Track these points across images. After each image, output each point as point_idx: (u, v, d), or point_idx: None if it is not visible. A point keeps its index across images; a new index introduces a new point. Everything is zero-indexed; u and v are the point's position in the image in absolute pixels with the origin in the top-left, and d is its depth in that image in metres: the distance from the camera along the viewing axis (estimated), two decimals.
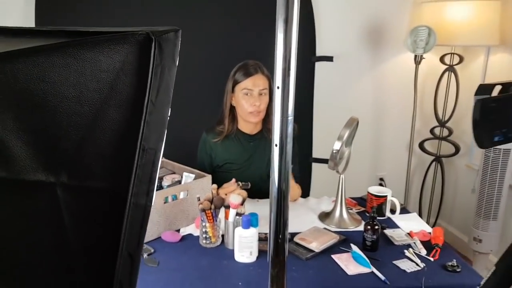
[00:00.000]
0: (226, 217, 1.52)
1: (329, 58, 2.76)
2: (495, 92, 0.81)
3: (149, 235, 1.57)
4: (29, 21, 2.41)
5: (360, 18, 2.83)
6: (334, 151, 1.59)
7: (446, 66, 2.81)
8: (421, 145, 3.05)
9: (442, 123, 2.93)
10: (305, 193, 2.58)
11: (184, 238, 1.61)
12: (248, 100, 1.83)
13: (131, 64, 0.57)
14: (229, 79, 1.89)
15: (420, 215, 3.16)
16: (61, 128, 0.57)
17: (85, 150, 0.58)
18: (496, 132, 0.64)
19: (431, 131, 2.99)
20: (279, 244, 0.94)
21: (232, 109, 1.92)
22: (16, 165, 0.57)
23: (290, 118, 0.85)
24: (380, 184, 3.21)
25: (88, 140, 0.58)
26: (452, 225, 3.18)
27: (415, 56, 2.62)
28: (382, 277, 1.36)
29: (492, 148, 2.54)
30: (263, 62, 1.92)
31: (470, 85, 2.99)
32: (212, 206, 1.49)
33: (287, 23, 0.83)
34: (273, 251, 0.94)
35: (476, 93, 0.78)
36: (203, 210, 1.48)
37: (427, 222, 3.14)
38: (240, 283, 1.33)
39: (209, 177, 1.73)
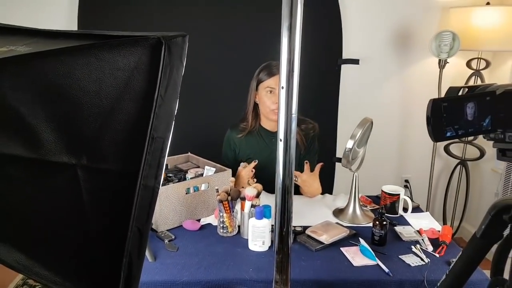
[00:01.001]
0: (242, 208, 1.60)
1: (355, 61, 2.79)
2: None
3: (171, 223, 1.68)
4: (72, 24, 2.58)
5: (387, 22, 2.84)
6: (346, 149, 1.63)
7: (473, 71, 2.78)
8: (446, 149, 3.01)
9: None
10: (328, 191, 2.63)
11: (203, 227, 1.71)
12: (270, 98, 1.91)
13: (144, 64, 0.66)
14: (253, 78, 1.98)
15: (444, 217, 3.13)
16: (82, 117, 0.66)
17: (102, 137, 0.67)
18: (448, 128, 0.69)
19: None
20: (283, 235, 1.00)
21: (256, 106, 2.01)
22: (44, 148, 0.67)
23: (294, 115, 0.91)
24: (405, 186, 3.20)
25: (105, 128, 0.67)
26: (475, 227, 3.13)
27: (439, 60, 2.61)
28: (386, 270, 1.40)
29: None
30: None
31: None
32: (229, 198, 1.58)
33: (290, 29, 0.89)
34: (278, 240, 1.00)
35: (446, 94, 0.83)
36: (221, 201, 1.57)
37: (451, 225, 3.11)
38: (251, 269, 1.41)
39: (229, 171, 1.81)
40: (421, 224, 1.73)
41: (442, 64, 2.61)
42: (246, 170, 1.90)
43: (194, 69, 2.66)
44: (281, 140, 0.93)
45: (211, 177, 1.77)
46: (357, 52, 2.83)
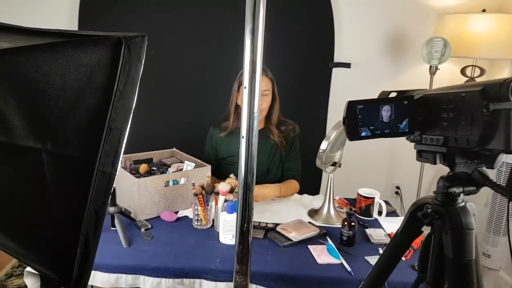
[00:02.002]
0: (216, 203, 1.72)
1: (347, 65, 2.89)
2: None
3: (150, 213, 1.80)
4: (73, 24, 2.73)
5: (382, 27, 2.92)
6: (320, 151, 1.74)
7: (467, 78, 2.85)
8: None
9: None
10: (315, 192, 2.74)
11: (180, 219, 1.83)
12: None
13: (105, 61, 0.77)
14: (235, 80, 2.09)
15: None
16: (48, 107, 0.78)
17: (66, 125, 0.79)
18: (363, 128, 0.80)
19: None
20: (244, 228, 1.10)
21: (237, 107, 2.12)
22: (13, 133, 0.78)
23: (256, 114, 1.01)
24: (396, 193, 3.29)
25: (69, 118, 0.78)
26: None
27: (430, 66, 2.69)
28: (349, 268, 1.50)
29: (504, 163, 2.57)
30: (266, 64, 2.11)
31: None
32: (203, 192, 1.69)
33: (253, 33, 0.99)
34: (239, 233, 1.11)
35: (378, 97, 0.93)
36: (196, 195, 1.69)
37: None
38: (218, 260, 1.52)
39: (208, 167, 1.93)
40: (393, 227, 1.82)
41: (433, 70, 2.69)
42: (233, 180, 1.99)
43: (183, 67, 2.81)
44: (243, 137, 1.02)
45: (190, 171, 1.88)
46: (349, 56, 2.92)
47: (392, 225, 1.86)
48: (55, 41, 0.79)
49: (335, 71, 2.93)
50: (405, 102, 0.80)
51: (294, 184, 2.18)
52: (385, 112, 0.80)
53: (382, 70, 2.99)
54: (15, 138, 0.78)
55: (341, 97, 2.97)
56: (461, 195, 0.90)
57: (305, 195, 2.18)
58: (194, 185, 1.73)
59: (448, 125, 0.81)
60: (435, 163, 0.87)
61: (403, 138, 2.90)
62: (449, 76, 2.99)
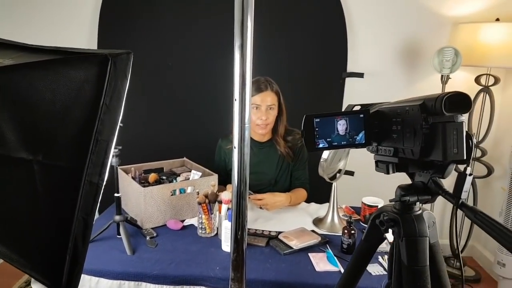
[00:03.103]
0: (219, 211, 1.73)
1: (360, 75, 2.87)
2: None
3: (156, 222, 1.83)
4: (92, 43, 2.83)
5: (395, 37, 2.89)
6: (322, 160, 1.73)
7: (481, 87, 2.79)
8: None
9: (475, 144, 2.90)
10: (326, 200, 2.72)
11: (186, 227, 1.85)
12: (256, 113, 2.04)
13: (92, 76, 0.81)
14: None
15: (451, 235, 3.12)
16: (39, 121, 0.81)
17: (55, 138, 0.82)
18: (320, 140, 0.81)
19: None
20: (238, 236, 1.11)
21: None
22: (7, 145, 0.82)
23: (247, 125, 1.04)
24: None
25: (58, 131, 0.82)
26: (486, 248, 3.12)
27: (442, 76, 2.64)
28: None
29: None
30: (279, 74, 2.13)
31: (509, 106, 2.94)
32: (207, 201, 1.71)
33: (242, 48, 1.01)
34: (233, 240, 1.12)
35: (345, 109, 0.94)
36: (200, 203, 1.71)
37: (457, 241, 3.09)
38: (217, 268, 1.53)
39: (214, 176, 1.95)
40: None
41: (444, 79, 2.65)
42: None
43: (195, 77, 2.85)
44: (235, 148, 1.04)
45: (197, 181, 1.91)
46: (362, 66, 2.91)
47: None
48: (46, 59, 0.83)
49: (348, 81, 2.91)
50: (361, 115, 0.81)
51: (302, 193, 2.17)
52: (341, 126, 0.81)
53: (395, 80, 2.96)
54: (8, 150, 0.82)
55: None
56: (417, 203, 0.91)
57: (312, 203, 2.18)
58: (198, 194, 1.76)
59: (397, 137, 0.83)
60: (388, 173, 0.88)
61: None
62: (463, 85, 2.93)
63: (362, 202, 1.93)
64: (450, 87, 2.73)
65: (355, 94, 2.94)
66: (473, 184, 3.00)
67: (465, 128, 0.78)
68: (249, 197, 2.01)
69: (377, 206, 1.88)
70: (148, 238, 1.72)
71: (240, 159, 1.04)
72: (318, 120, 0.81)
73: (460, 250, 3.09)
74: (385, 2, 2.84)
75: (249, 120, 1.01)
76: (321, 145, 0.81)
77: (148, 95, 2.87)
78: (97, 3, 2.79)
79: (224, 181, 2.23)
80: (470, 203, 2.67)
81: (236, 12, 0.99)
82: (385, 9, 2.84)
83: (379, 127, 0.85)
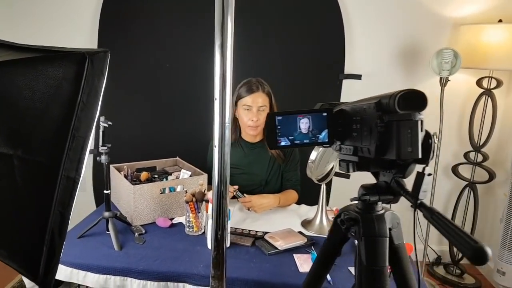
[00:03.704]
0: (206, 210, 1.79)
1: (358, 76, 2.91)
2: None
3: (145, 219, 1.90)
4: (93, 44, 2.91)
5: (394, 38, 2.92)
6: (309, 161, 1.78)
7: (483, 90, 2.81)
8: (454, 169, 3.04)
9: (476, 148, 2.92)
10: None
11: (174, 225, 1.91)
12: (247, 114, 2.09)
13: (70, 74, 0.87)
14: (233, 94, 2.16)
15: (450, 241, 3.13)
16: (20, 117, 0.88)
17: (35, 134, 0.88)
18: (282, 138, 0.85)
19: (465, 155, 2.98)
20: (218, 235, 1.16)
21: (236, 120, 2.19)
22: None
23: (228, 125, 1.09)
24: (411, 206, 3.24)
25: (37, 127, 0.88)
26: None
27: (440, 78, 2.67)
28: (329, 278, 1.53)
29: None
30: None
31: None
32: (194, 199, 1.77)
33: (222, 47, 1.06)
34: (214, 239, 1.17)
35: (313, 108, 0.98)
36: (187, 202, 1.77)
37: (456, 250, 3.12)
38: (201, 266, 1.58)
39: (204, 176, 2.01)
40: None
41: (443, 82, 2.67)
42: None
43: (192, 77, 2.91)
44: (215, 147, 1.09)
45: (186, 180, 1.97)
46: (360, 67, 2.95)
47: None
48: (27, 57, 0.89)
49: (346, 83, 2.95)
50: (324, 114, 0.85)
51: (292, 194, 2.22)
52: (303, 124, 0.85)
53: (394, 82, 2.98)
54: None
55: None
56: (379, 203, 0.93)
57: (303, 205, 2.22)
58: (186, 192, 1.81)
59: (356, 135, 0.85)
60: (348, 171, 0.91)
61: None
62: (464, 87, 2.95)
63: None
64: (450, 90, 2.75)
65: (352, 96, 2.96)
66: (473, 189, 3.01)
67: (421, 127, 0.81)
68: (238, 199, 2.07)
69: None
70: (136, 234, 1.78)
71: (221, 158, 1.08)
72: (280, 118, 0.85)
73: (459, 257, 3.12)
74: (383, 3, 2.87)
75: (230, 119, 1.06)
76: (283, 143, 0.85)
77: (145, 95, 2.95)
78: (98, 4, 2.87)
79: None
80: (471, 209, 2.69)
81: (216, 12, 1.04)
82: (384, 10, 2.88)
83: (342, 126, 0.88)
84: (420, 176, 0.82)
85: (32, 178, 0.91)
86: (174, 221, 1.94)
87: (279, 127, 0.85)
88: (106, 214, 1.76)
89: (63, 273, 1.59)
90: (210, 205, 1.78)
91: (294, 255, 1.68)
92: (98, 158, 1.71)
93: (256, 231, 1.83)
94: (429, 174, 0.82)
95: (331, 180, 3.02)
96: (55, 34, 2.99)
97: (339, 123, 0.85)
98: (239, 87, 2.14)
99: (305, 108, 2.80)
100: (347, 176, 3.02)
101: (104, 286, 1.59)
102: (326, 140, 0.85)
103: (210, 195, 1.77)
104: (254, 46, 2.87)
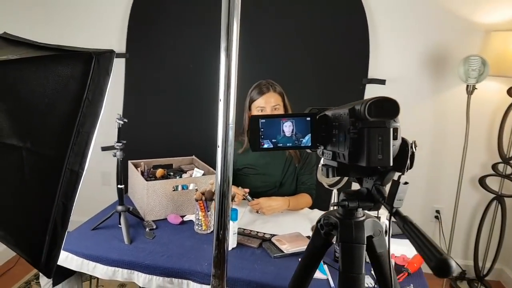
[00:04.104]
0: (214, 209, 1.83)
1: (382, 81, 2.88)
2: None
3: (157, 215, 1.96)
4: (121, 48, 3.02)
5: (422, 43, 2.87)
6: (320, 165, 1.78)
7: None
8: (481, 181, 2.96)
9: (506, 160, 2.83)
10: None
11: (185, 222, 1.97)
12: None
13: (77, 72, 0.93)
14: (246, 98, 2.20)
15: (476, 256, 3.05)
16: (30, 112, 0.94)
17: (43, 128, 0.95)
18: (266, 141, 0.87)
19: (494, 167, 2.90)
20: (220, 235, 1.20)
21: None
22: (1, 132, 0.96)
23: (231, 126, 1.12)
24: (436, 217, 3.18)
25: (45, 121, 0.95)
26: None
27: (467, 86, 2.61)
28: (332, 284, 1.54)
29: None
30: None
31: None
32: (203, 198, 1.81)
33: (227, 50, 1.10)
34: (215, 238, 1.21)
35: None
36: (196, 200, 1.81)
37: (483, 265, 3.04)
38: (206, 264, 1.63)
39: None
40: (397, 249, 1.82)
41: (470, 90, 2.61)
42: (238, 190, 2.12)
43: (213, 76, 2.96)
44: (218, 147, 1.13)
45: (198, 178, 2.02)
46: (384, 72, 2.92)
47: (396, 246, 1.85)
48: (38, 55, 0.96)
49: (369, 87, 2.93)
50: (307, 118, 0.87)
51: (305, 198, 2.23)
52: (287, 128, 0.87)
53: (419, 88, 2.94)
54: (2, 137, 0.95)
55: None
56: (360, 210, 0.94)
57: (316, 210, 2.23)
58: (196, 191, 1.86)
59: (335, 141, 0.87)
60: (328, 176, 0.92)
61: (447, 159, 2.82)
62: (494, 96, 2.87)
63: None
64: (477, 98, 2.69)
65: None
66: (501, 203, 2.93)
67: (395, 135, 0.82)
68: (248, 202, 2.09)
69: (380, 217, 1.90)
70: (147, 229, 1.85)
71: (223, 159, 1.12)
72: (264, 121, 0.87)
73: (485, 272, 3.04)
74: (411, 6, 2.83)
75: (233, 121, 1.09)
76: (266, 145, 0.88)
77: (169, 95, 3.04)
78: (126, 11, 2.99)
79: (233, 181, 2.32)
80: (498, 223, 2.61)
81: (223, 15, 1.07)
82: (411, 13, 2.84)
83: (325, 131, 0.90)
84: (395, 185, 0.83)
85: (38, 170, 0.97)
86: (185, 219, 1.99)
87: (262, 129, 0.87)
88: (119, 208, 1.83)
89: (74, 263, 1.67)
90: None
91: (300, 259, 1.69)
92: (113, 153, 1.78)
93: (264, 233, 1.85)
94: (405, 183, 0.83)
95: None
96: (86, 35, 3.13)
97: (323, 128, 0.87)
98: (251, 90, 2.18)
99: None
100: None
101: (112, 278, 1.66)
102: (309, 145, 0.87)
103: None
104: (274, 47, 2.91)
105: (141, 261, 1.63)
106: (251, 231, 1.87)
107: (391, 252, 1.78)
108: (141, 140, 3.15)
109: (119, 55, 3.10)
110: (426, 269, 1.66)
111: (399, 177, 0.83)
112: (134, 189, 2.09)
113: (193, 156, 2.37)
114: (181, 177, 2.11)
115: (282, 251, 1.72)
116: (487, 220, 3.01)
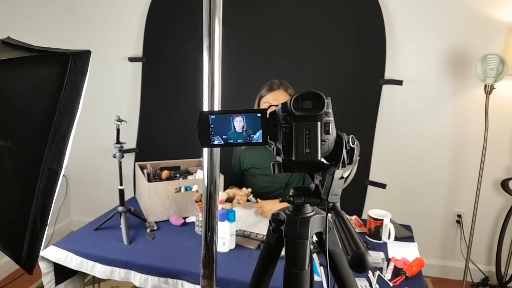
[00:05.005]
0: None
1: (399, 82, 2.80)
2: None
3: (160, 216, 1.97)
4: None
5: (441, 42, 2.77)
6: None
7: None
8: (504, 184, 2.83)
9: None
10: (358, 213, 2.70)
11: (187, 224, 1.97)
12: None
13: (55, 73, 0.95)
14: (257, 95, 2.19)
15: (498, 262, 2.91)
16: (11, 112, 0.97)
17: (22, 127, 0.97)
18: (216, 137, 0.84)
19: None
20: (207, 236, 1.20)
21: None
22: None
23: None
24: (457, 222, 3.06)
25: (24, 121, 0.97)
26: None
27: (485, 85, 2.50)
28: (325, 286, 1.50)
29: None
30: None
31: None
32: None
33: (210, 49, 1.10)
34: (204, 239, 1.21)
35: None
36: (196, 202, 1.81)
37: (505, 271, 2.90)
38: (199, 265, 1.61)
39: (220, 177, 2.05)
40: (398, 252, 1.76)
41: (488, 89, 2.50)
42: (240, 191, 2.10)
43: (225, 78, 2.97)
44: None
45: (200, 180, 2.02)
46: (402, 73, 2.84)
47: (398, 249, 1.79)
48: (17, 56, 0.99)
49: (386, 88, 2.86)
50: (258, 114, 0.84)
51: None
52: (237, 123, 0.85)
53: (438, 88, 2.84)
54: None
55: (391, 116, 2.89)
56: (308, 206, 0.91)
57: None
58: (197, 192, 1.86)
59: (278, 136, 0.85)
60: (274, 172, 0.90)
61: (468, 162, 2.72)
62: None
63: (368, 214, 1.90)
64: (495, 98, 2.57)
65: (392, 102, 2.87)
66: None
67: (326, 129, 0.81)
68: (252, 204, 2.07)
69: (383, 219, 1.85)
70: (148, 230, 1.86)
71: (211, 159, 1.11)
72: (214, 117, 0.86)
73: (507, 279, 2.89)
74: (429, 5, 2.75)
75: None
76: (216, 141, 0.86)
77: (183, 97, 3.07)
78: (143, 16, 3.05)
79: (239, 181, 2.32)
80: None
81: (204, 14, 1.07)
82: (430, 12, 2.75)
83: (275, 127, 0.88)
84: (328, 179, 0.81)
85: (19, 169, 0.99)
86: (188, 220, 2.00)
87: (212, 125, 0.86)
88: (120, 208, 1.86)
89: (74, 261, 1.70)
90: (218, 206, 1.81)
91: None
92: (113, 155, 1.81)
93: (264, 235, 1.83)
94: (341, 178, 0.81)
95: (366, 189, 2.96)
96: (104, 40, 3.22)
97: (273, 124, 0.85)
98: (262, 88, 2.17)
99: (346, 115, 2.79)
100: (383, 186, 2.93)
101: (110, 277, 1.67)
102: (261, 141, 0.85)
103: (219, 195, 1.80)
104: (290, 48, 2.89)
105: (137, 261, 1.64)
106: (251, 232, 1.85)
107: (392, 255, 1.73)
108: (158, 142, 3.20)
109: (136, 59, 3.17)
110: (427, 273, 1.61)
111: (333, 171, 0.80)
112: (139, 191, 2.12)
113: (201, 158, 2.37)
114: (186, 178, 2.12)
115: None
116: (510, 225, 2.87)
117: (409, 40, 2.81)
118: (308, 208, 0.94)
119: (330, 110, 0.83)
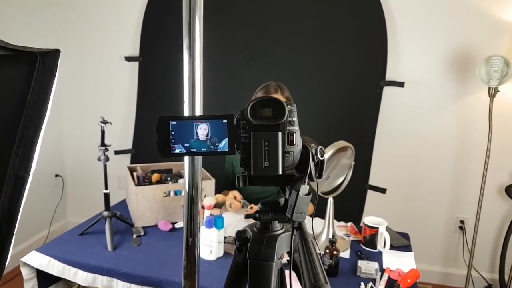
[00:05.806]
0: (202, 217, 1.76)
1: (400, 84, 2.72)
2: None
3: (148, 221, 1.91)
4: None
5: (444, 44, 2.68)
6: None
7: None
8: (508, 190, 2.74)
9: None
10: (357, 218, 2.62)
11: (176, 229, 1.90)
12: None
13: (22, 73, 0.89)
14: (251, 98, 2.11)
15: (501, 270, 2.81)
16: None
17: None
18: (177, 145, 0.76)
19: None
20: (189, 244, 1.13)
21: None
22: None
23: None
24: (460, 228, 2.97)
25: None
26: None
27: (489, 88, 2.41)
28: None
29: None
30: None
31: None
32: None
33: (190, 48, 1.04)
34: (185, 247, 1.14)
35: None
36: (183, 207, 1.74)
37: (509, 280, 2.80)
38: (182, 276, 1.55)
39: (211, 181, 1.98)
40: (393, 262, 1.68)
41: (492, 92, 2.41)
42: (230, 195, 2.04)
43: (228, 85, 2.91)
44: None
45: None
46: (404, 74, 2.76)
47: (393, 259, 1.71)
48: None
49: (387, 90, 2.77)
50: (224, 121, 0.76)
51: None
52: (201, 131, 0.77)
53: (441, 90, 2.74)
54: None
55: (392, 119, 2.81)
56: (276, 222, 0.83)
57: (317, 218, 2.11)
58: None
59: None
60: (239, 186, 0.81)
61: (471, 166, 2.62)
62: None
63: (363, 222, 1.83)
64: (499, 102, 2.48)
65: (393, 105, 2.79)
66: None
67: (290, 140, 0.74)
68: (246, 208, 2.01)
69: (378, 227, 1.77)
70: (134, 236, 1.80)
71: (193, 163, 1.05)
72: (175, 123, 0.78)
73: (511, 287, 2.80)
74: (432, 5, 2.66)
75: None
76: (177, 150, 0.78)
77: (181, 98, 3.00)
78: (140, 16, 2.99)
79: (232, 185, 2.25)
80: None
81: (184, 12, 1.02)
82: (433, 13, 2.66)
83: (244, 135, 0.80)
84: (293, 196, 0.74)
85: None
86: (177, 226, 1.93)
87: (173, 132, 0.78)
88: (105, 213, 1.80)
89: (56, 268, 1.64)
90: (206, 212, 1.75)
91: (286, 271, 1.59)
92: (98, 158, 1.75)
93: None
94: (309, 193, 0.74)
95: (365, 194, 2.88)
96: (101, 39, 3.18)
97: (241, 132, 0.77)
98: (257, 90, 2.08)
99: (346, 118, 2.70)
100: (383, 191, 2.85)
101: (92, 285, 1.62)
102: (227, 150, 0.77)
103: (205, 201, 1.74)
104: (289, 49, 2.82)
105: (119, 269, 1.57)
106: None
107: (386, 265, 1.66)
108: (154, 143, 3.13)
109: (133, 59, 3.11)
110: (428, 280, 1.53)
111: (299, 187, 0.73)
112: (128, 194, 2.06)
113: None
114: (177, 182, 2.05)
115: None
116: None
117: (411, 41, 2.73)
118: (277, 225, 0.85)
119: (295, 119, 0.75)
